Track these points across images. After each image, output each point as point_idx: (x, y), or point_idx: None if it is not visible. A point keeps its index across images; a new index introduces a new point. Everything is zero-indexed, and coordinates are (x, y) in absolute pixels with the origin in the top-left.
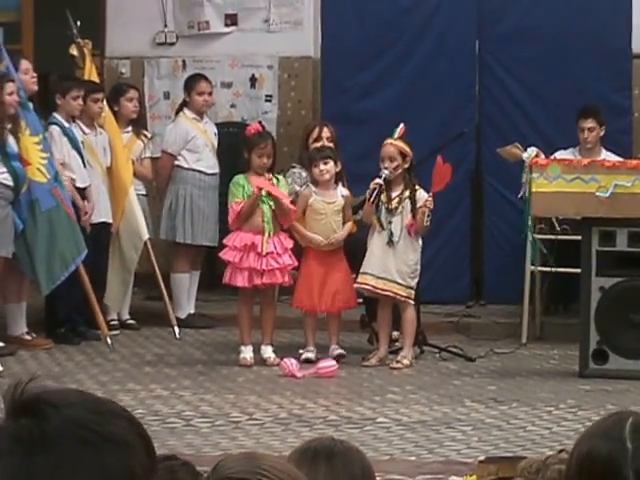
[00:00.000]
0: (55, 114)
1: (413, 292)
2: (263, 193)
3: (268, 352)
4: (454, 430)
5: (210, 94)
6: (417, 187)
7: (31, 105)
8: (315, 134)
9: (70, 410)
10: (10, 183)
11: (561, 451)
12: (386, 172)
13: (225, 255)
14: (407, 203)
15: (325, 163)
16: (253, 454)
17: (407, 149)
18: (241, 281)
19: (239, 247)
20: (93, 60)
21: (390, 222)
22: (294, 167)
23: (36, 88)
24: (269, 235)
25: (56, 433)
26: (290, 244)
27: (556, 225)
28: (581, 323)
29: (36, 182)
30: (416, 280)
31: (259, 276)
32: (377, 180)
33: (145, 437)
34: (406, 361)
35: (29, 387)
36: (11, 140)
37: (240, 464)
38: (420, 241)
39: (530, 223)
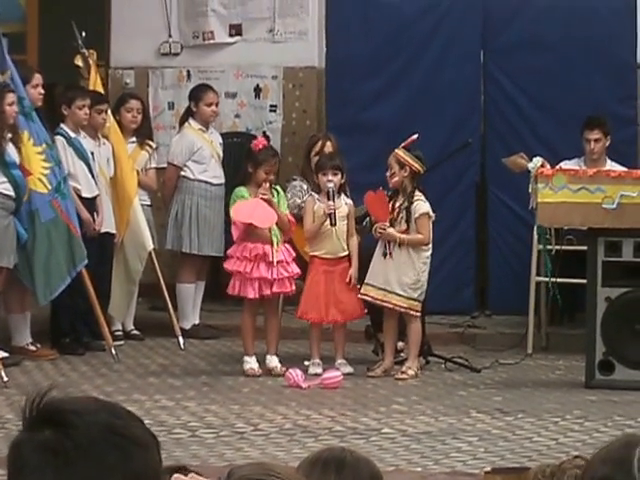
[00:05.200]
0: (62, 125)
1: (417, 303)
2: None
3: (274, 362)
4: (460, 441)
5: (217, 105)
6: (417, 198)
7: (36, 115)
8: (318, 147)
9: (95, 417)
10: (11, 193)
11: (577, 457)
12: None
13: (233, 266)
14: (404, 213)
15: (335, 174)
16: (264, 463)
17: (407, 159)
18: (252, 292)
19: (250, 257)
20: (98, 70)
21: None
22: (294, 179)
23: (40, 104)
24: (277, 244)
25: (88, 440)
26: (294, 253)
27: (552, 237)
28: (587, 334)
29: (37, 192)
30: (420, 292)
31: (268, 286)
32: (330, 204)
33: (156, 437)
34: (411, 372)
35: (47, 396)
36: (11, 149)
37: (254, 468)
38: (427, 252)
39: (538, 234)
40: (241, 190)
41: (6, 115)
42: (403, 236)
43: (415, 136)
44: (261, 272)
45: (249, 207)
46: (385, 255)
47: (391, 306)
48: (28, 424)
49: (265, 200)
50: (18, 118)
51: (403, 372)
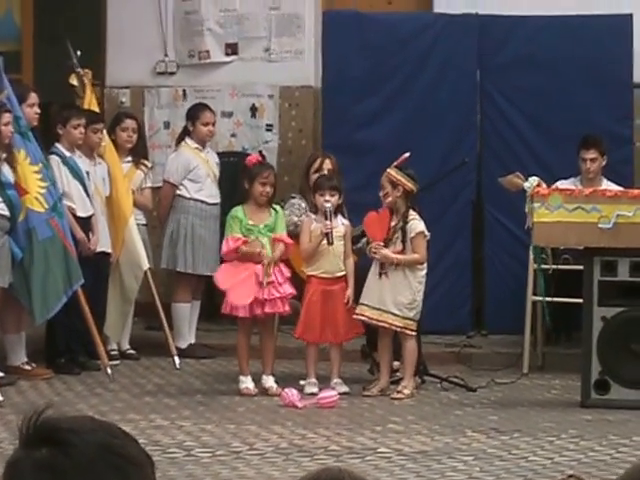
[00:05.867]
0: (57, 144)
1: (412, 323)
2: (261, 225)
3: (270, 382)
4: (455, 460)
5: (214, 124)
6: (412, 217)
7: (32, 134)
8: (317, 165)
9: (92, 436)
10: (6, 213)
11: (571, 476)
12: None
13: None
14: (400, 233)
15: (332, 195)
16: None
17: (399, 178)
18: (242, 311)
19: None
20: (93, 90)
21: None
22: (293, 197)
23: (36, 123)
24: (269, 267)
25: (86, 459)
26: (288, 273)
27: (550, 257)
28: (583, 353)
29: (34, 211)
30: (416, 311)
31: (259, 306)
32: (327, 224)
33: (151, 457)
34: (407, 391)
35: (43, 415)
36: (6, 169)
37: None
38: (423, 272)
39: (534, 253)
40: (237, 210)
41: (2, 135)
42: (399, 257)
43: (407, 154)
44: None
45: (235, 275)
46: (381, 275)
47: (387, 326)
48: (25, 442)
49: (250, 252)
50: (14, 137)
51: (399, 391)
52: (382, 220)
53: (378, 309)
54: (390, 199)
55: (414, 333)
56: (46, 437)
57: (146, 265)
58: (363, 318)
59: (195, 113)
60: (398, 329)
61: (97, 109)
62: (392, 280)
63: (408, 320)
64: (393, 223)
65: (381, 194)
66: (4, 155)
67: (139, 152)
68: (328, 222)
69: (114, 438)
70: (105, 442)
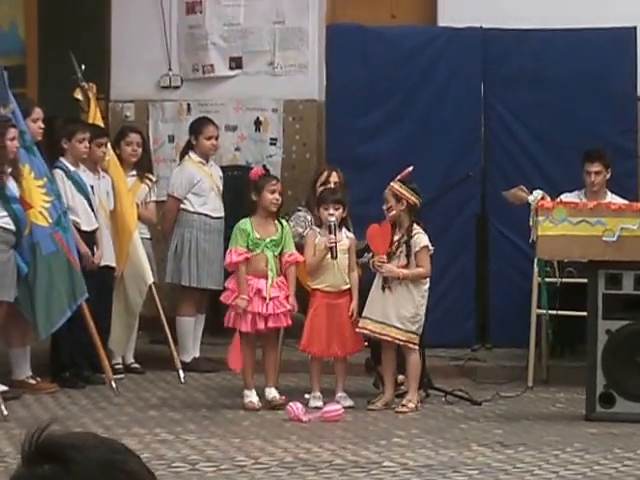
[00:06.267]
0: (62, 158)
1: (415, 336)
2: (267, 240)
3: (272, 392)
4: (460, 474)
5: (217, 138)
6: (416, 231)
7: (36, 149)
8: (323, 178)
9: (95, 452)
10: (11, 227)
11: None
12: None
13: (228, 299)
14: (404, 247)
15: (336, 208)
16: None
17: (403, 192)
18: (245, 326)
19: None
20: (98, 104)
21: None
22: (300, 210)
23: (40, 138)
24: (272, 280)
25: (88, 476)
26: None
27: (555, 270)
28: (588, 366)
29: (38, 226)
30: (418, 325)
31: (262, 320)
32: (331, 238)
33: (152, 473)
34: (411, 405)
35: (45, 432)
36: (11, 184)
37: None
38: (426, 285)
39: (538, 267)
40: (244, 222)
41: (7, 150)
42: (405, 271)
43: (410, 168)
44: (254, 307)
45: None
46: (384, 288)
47: (390, 339)
48: (27, 459)
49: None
50: (19, 152)
51: (403, 405)
52: (384, 233)
53: (381, 322)
54: (394, 213)
55: (417, 347)
56: (48, 454)
57: (151, 279)
58: (366, 332)
59: (198, 127)
60: (401, 343)
61: (102, 123)
62: (395, 294)
63: (411, 334)
64: (397, 237)
65: (385, 208)
66: (9, 169)
67: (143, 166)
68: (332, 236)
69: (116, 454)
70: (107, 458)
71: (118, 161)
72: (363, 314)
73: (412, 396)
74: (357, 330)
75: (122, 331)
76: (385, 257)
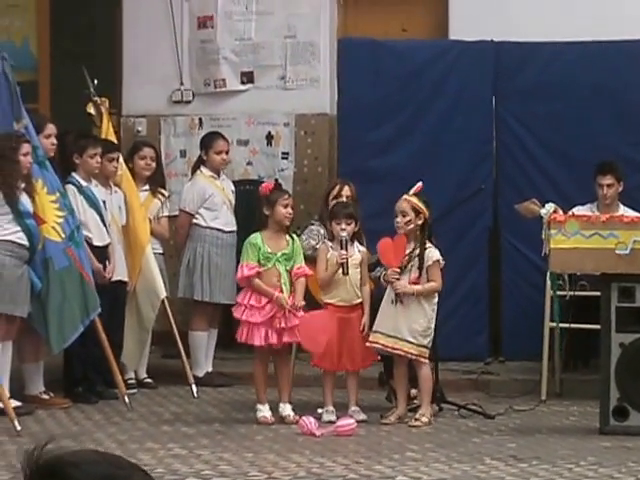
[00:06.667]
0: (73, 174)
1: (426, 350)
2: (279, 254)
3: (287, 410)
4: None
5: (228, 152)
6: (428, 245)
7: (49, 164)
8: (335, 192)
9: (95, 468)
10: (25, 242)
11: None
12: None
13: (240, 314)
14: (416, 261)
15: (348, 223)
16: None
17: (421, 206)
18: (258, 340)
19: (257, 305)
20: (110, 118)
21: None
22: (313, 224)
23: (53, 154)
24: (286, 294)
25: None
26: (301, 303)
27: (566, 283)
28: (601, 379)
29: (51, 241)
30: (429, 339)
31: (276, 335)
32: (343, 253)
33: None
34: (424, 419)
35: (45, 450)
36: (25, 199)
37: None
38: (436, 299)
39: (550, 280)
40: (255, 237)
41: (21, 165)
42: (418, 288)
43: (420, 183)
44: (269, 321)
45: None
46: (395, 302)
47: (402, 353)
48: (29, 477)
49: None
50: (32, 167)
51: (417, 419)
52: (398, 246)
53: (393, 337)
54: (412, 226)
55: (427, 360)
56: (49, 472)
57: (163, 294)
58: (377, 346)
59: (208, 142)
60: (413, 357)
61: (114, 138)
62: (407, 307)
63: (422, 348)
64: (408, 250)
65: (399, 221)
66: (23, 185)
67: (156, 181)
68: (343, 252)
69: (118, 469)
70: (108, 474)
71: (131, 176)
72: (374, 328)
73: (425, 410)
74: (368, 344)
75: (135, 346)
76: (398, 270)
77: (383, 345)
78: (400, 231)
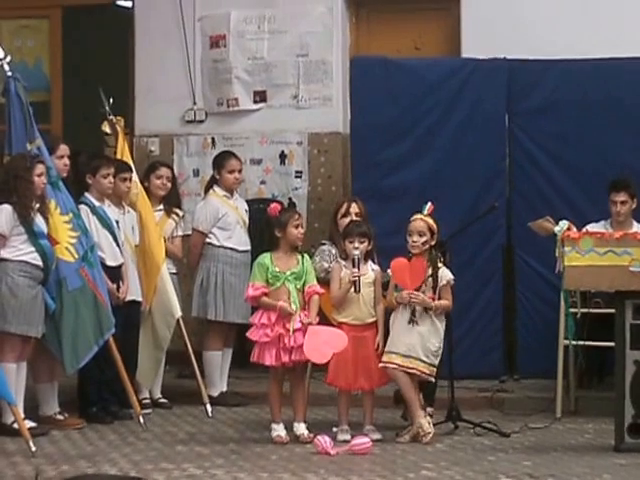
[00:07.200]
0: (86, 194)
1: (434, 369)
2: (288, 272)
3: (301, 429)
4: None
5: (240, 171)
6: (440, 265)
7: (62, 184)
8: (343, 209)
9: None
10: (39, 263)
11: None
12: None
13: (253, 334)
14: (430, 281)
15: (361, 242)
16: None
17: (435, 226)
18: (269, 359)
19: (268, 324)
20: (125, 138)
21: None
22: (324, 244)
23: (65, 174)
24: (297, 311)
25: None
26: (316, 320)
27: (579, 300)
28: (616, 397)
29: (64, 261)
30: (439, 358)
31: (287, 353)
32: (355, 271)
33: None
34: (426, 427)
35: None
36: (39, 220)
37: None
38: (444, 320)
39: (564, 297)
40: (264, 257)
41: (35, 186)
42: (436, 302)
43: (430, 203)
44: (278, 339)
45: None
46: (411, 322)
47: (418, 373)
48: None
49: (282, 309)
50: (46, 188)
51: (423, 435)
52: (416, 269)
53: (409, 356)
54: (427, 246)
55: (434, 380)
56: None
57: (178, 313)
58: (393, 366)
59: (220, 161)
60: (425, 376)
61: (129, 157)
62: (422, 327)
63: (433, 367)
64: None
65: (415, 240)
66: (37, 205)
67: (171, 201)
68: (355, 270)
69: None
70: None
71: (146, 195)
72: (387, 349)
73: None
74: (382, 365)
75: (150, 364)
76: (419, 293)
77: (399, 365)
78: (415, 251)
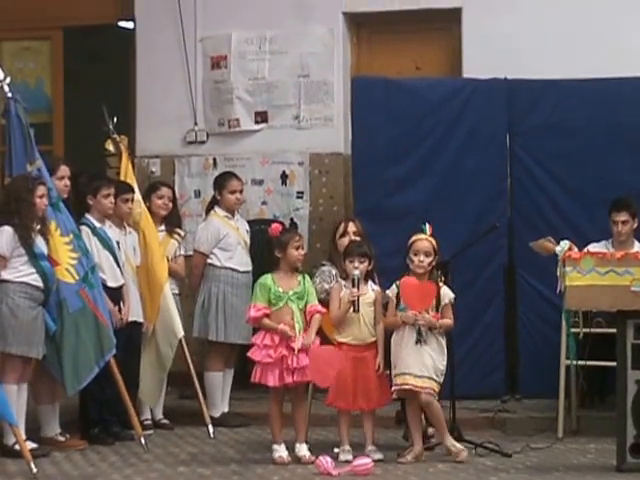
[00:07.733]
0: (87, 215)
1: (439, 387)
2: (290, 292)
3: (303, 450)
4: None
5: (241, 192)
6: (441, 284)
7: (62, 205)
8: (341, 229)
9: None
10: (40, 284)
11: None
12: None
13: (255, 355)
14: (434, 300)
15: (361, 262)
16: None
17: (436, 247)
18: (272, 380)
19: (270, 345)
20: (129, 157)
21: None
22: (324, 265)
23: (66, 196)
24: (299, 333)
25: None
26: (317, 340)
27: (580, 320)
28: (618, 417)
29: (64, 282)
30: (443, 377)
31: (290, 374)
32: (354, 291)
33: None
34: (458, 446)
35: None
36: (39, 241)
37: None
38: (444, 339)
39: (565, 317)
40: (266, 277)
41: (36, 207)
42: (440, 321)
43: (428, 224)
44: (281, 360)
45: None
46: (419, 342)
47: (432, 392)
48: None
49: (282, 332)
50: (47, 209)
51: (456, 453)
52: (426, 292)
53: (421, 376)
54: (430, 267)
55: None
56: None
57: (181, 333)
58: (408, 387)
59: (221, 182)
60: (434, 393)
61: (133, 176)
62: (430, 346)
63: (439, 385)
64: None
65: (422, 260)
66: (38, 227)
67: (172, 221)
68: (354, 290)
69: None
70: None
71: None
72: (399, 370)
73: (448, 439)
74: (395, 388)
75: (152, 383)
76: (424, 314)
77: (413, 385)
78: (420, 271)
